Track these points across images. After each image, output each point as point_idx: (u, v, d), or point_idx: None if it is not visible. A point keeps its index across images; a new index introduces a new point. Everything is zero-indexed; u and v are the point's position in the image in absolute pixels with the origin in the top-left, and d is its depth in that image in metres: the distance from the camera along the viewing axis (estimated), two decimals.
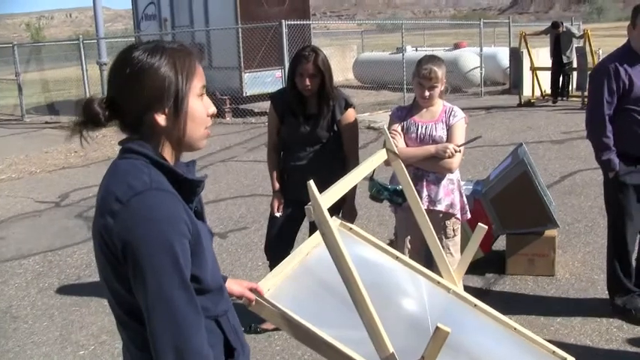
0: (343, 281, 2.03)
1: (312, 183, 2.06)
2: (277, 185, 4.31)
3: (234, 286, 2.16)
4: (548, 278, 5.01)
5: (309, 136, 4.14)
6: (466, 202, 4.02)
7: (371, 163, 2.80)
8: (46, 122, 15.16)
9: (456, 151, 3.77)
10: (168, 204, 1.61)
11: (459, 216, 3.96)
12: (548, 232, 5.08)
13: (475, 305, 2.89)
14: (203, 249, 1.69)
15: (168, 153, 1.74)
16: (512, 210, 5.06)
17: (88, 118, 1.70)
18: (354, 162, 4.14)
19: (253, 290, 2.17)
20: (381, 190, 3.47)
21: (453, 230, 3.97)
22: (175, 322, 1.56)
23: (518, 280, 5.04)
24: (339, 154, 4.18)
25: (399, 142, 3.85)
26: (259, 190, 8.20)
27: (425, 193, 3.87)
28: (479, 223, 2.94)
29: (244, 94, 14.39)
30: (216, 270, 1.79)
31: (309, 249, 2.66)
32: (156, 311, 1.55)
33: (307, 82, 4.00)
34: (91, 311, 4.95)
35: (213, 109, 1.79)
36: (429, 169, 3.88)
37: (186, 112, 1.71)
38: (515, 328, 2.85)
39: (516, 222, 5.10)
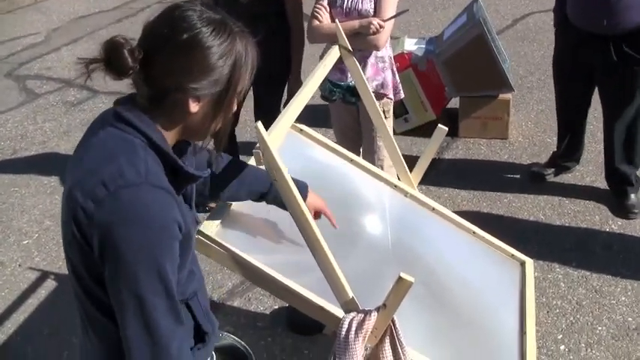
0: (300, 231, 1.88)
1: (259, 124, 1.82)
2: None
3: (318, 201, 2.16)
4: (502, 142, 4.94)
5: (247, 11, 3.68)
6: (399, 81, 3.74)
7: (324, 67, 2.55)
8: None
9: (381, 27, 3.40)
10: (162, 205, 1.38)
11: (391, 96, 3.69)
12: (503, 95, 4.93)
13: (433, 209, 2.79)
14: (190, 244, 1.50)
15: (170, 136, 1.47)
16: (466, 73, 4.86)
17: (110, 62, 1.37)
18: (300, 35, 3.83)
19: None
20: (333, 91, 3.20)
21: (384, 112, 3.71)
22: (150, 332, 1.38)
23: (471, 144, 4.96)
24: (283, 29, 3.83)
25: (323, 18, 3.50)
26: None
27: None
28: (439, 125, 2.76)
29: None
30: (194, 253, 1.61)
31: None
32: (131, 318, 1.37)
33: None
34: (31, 192, 4.74)
35: (234, 109, 1.53)
36: (355, 47, 3.55)
37: (226, 110, 1.47)
38: (473, 232, 2.78)
39: (470, 85, 4.93)
